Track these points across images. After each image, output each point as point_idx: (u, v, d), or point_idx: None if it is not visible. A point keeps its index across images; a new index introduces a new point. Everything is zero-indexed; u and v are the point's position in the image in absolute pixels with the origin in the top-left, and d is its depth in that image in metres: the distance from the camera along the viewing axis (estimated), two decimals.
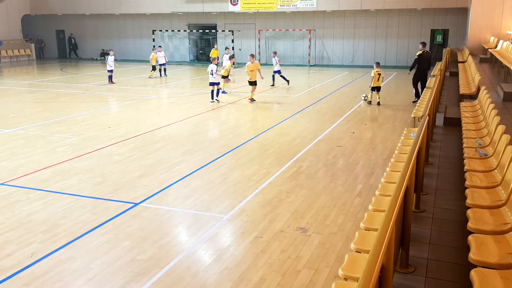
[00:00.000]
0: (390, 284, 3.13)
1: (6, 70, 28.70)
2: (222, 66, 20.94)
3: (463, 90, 11.66)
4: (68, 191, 7.80)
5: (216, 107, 15.72)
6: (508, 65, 11.78)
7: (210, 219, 6.70)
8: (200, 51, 33.75)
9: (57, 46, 37.50)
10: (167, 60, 25.19)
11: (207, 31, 32.45)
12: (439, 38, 27.73)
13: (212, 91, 16.50)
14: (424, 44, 16.17)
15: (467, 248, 3.67)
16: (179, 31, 33.06)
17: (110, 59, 21.35)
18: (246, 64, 17.10)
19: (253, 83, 16.61)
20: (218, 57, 21.95)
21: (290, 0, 28.88)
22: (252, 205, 7.18)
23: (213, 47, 26.95)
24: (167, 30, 33.30)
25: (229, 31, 31.16)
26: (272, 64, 21.27)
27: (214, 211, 7.01)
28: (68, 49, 36.97)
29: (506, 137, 5.49)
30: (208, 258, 5.63)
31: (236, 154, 10.09)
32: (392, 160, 6.47)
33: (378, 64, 15.82)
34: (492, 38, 20.66)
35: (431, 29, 27.90)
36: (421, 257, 4.37)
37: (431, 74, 16.71)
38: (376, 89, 15.62)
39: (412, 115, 11.06)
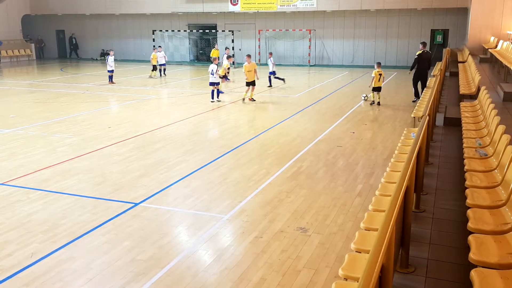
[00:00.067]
0: (390, 284, 3.13)
1: (6, 70, 28.70)
2: (222, 66, 20.95)
3: (463, 90, 11.66)
4: (68, 191, 7.80)
5: (216, 107, 15.73)
6: (508, 65, 11.77)
7: (210, 219, 6.70)
8: (200, 51, 33.75)
9: (57, 46, 37.50)
10: (167, 60, 25.20)
11: (207, 31, 32.44)
12: (439, 38, 27.74)
13: (212, 91, 16.51)
14: (424, 44, 16.19)
15: (467, 248, 3.67)
16: (179, 31, 33.06)
17: (110, 59, 21.36)
18: (244, 65, 17.11)
19: (250, 83, 16.59)
20: (218, 57, 21.95)
21: (290, 0, 28.88)
22: (252, 205, 7.18)
23: (214, 47, 26.97)
24: (167, 30, 33.30)
25: (229, 31, 31.15)
26: (267, 65, 21.28)
27: (214, 211, 7.01)
28: (69, 49, 36.96)
29: (506, 137, 5.49)
30: (208, 258, 5.63)
31: (236, 154, 10.09)
32: (392, 160, 6.47)
33: (379, 64, 15.77)
34: (492, 38, 20.66)
35: (431, 29, 27.90)
36: (421, 257, 4.37)
37: (431, 74, 16.71)
38: (377, 89, 15.61)
39: (412, 115, 11.05)
